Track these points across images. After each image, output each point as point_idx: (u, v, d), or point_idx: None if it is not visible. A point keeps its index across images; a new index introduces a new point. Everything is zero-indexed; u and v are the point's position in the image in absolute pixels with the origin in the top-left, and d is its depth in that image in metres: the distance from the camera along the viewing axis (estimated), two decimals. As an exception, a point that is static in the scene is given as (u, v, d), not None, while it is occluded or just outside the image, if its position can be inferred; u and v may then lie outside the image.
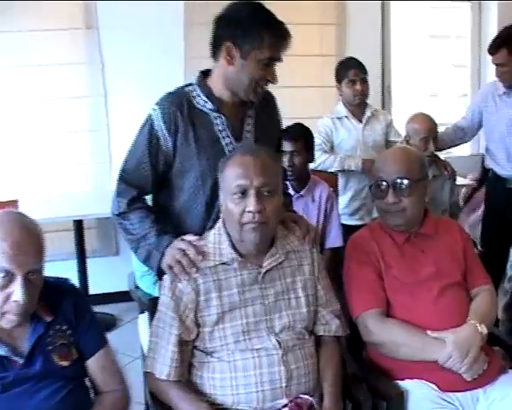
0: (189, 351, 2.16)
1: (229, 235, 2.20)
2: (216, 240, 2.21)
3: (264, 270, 2.19)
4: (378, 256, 2.42)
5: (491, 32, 5.89)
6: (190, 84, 2.42)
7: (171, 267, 2.18)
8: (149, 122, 2.34)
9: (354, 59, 4.39)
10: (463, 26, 6.25)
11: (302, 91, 5.42)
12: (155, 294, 3.39)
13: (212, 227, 2.29)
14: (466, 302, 2.41)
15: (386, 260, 2.42)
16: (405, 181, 2.38)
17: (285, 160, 3.49)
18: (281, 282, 2.22)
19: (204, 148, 2.34)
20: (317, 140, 4.08)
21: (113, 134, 5.16)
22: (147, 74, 5.07)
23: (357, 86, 4.27)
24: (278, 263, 2.22)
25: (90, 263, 4.86)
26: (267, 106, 2.54)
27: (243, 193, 2.09)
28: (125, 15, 4.98)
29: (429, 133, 3.73)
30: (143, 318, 3.22)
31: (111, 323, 4.78)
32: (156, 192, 2.46)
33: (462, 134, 4.30)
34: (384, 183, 2.41)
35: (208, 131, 2.36)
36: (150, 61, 5.08)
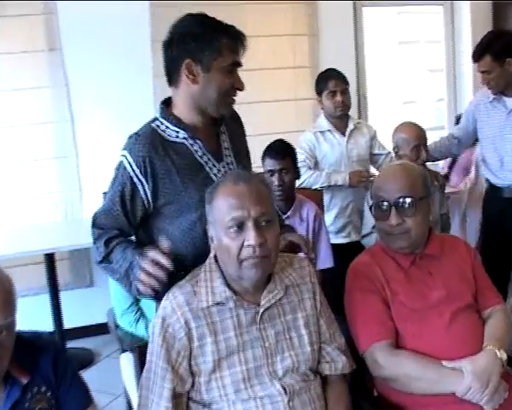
0: (183, 404, 1.96)
1: (221, 271, 2.00)
2: (207, 278, 2.01)
3: (262, 308, 1.99)
4: (383, 283, 2.25)
5: (465, 34, 5.85)
6: (155, 119, 2.26)
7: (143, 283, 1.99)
8: (121, 170, 2.17)
9: (334, 70, 4.28)
10: (436, 30, 6.19)
11: (275, 106, 5.26)
12: (137, 332, 3.22)
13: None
14: (480, 326, 2.25)
15: (391, 287, 2.24)
16: (408, 200, 2.22)
17: (274, 179, 3.37)
18: (281, 320, 2.03)
19: (190, 179, 2.19)
20: (301, 156, 3.95)
21: (81, 160, 4.95)
22: (114, 95, 4.90)
23: (338, 97, 4.18)
24: (277, 300, 2.03)
25: (64, 296, 4.63)
26: (234, 120, 2.44)
27: (240, 226, 1.90)
28: (90, 35, 4.79)
29: (420, 141, 3.60)
30: (126, 357, 3.05)
31: (88, 359, 4.53)
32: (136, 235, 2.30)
33: (457, 143, 4.25)
34: (385, 203, 2.24)
35: (189, 161, 2.21)
36: (118, 81, 4.91)
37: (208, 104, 2.20)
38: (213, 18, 2.21)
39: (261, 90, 5.18)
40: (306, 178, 4.00)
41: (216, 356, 1.92)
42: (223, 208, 1.92)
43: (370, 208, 2.32)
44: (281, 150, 3.46)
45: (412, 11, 6.16)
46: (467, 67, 5.95)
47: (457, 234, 4.71)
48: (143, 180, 2.14)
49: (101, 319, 3.61)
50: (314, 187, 4.00)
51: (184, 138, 2.22)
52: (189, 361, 1.92)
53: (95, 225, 2.22)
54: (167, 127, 2.22)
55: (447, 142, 4.30)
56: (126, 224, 2.21)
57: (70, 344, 4.45)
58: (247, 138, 2.50)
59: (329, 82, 4.18)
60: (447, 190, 4.30)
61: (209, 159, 2.25)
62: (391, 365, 2.14)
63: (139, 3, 4.89)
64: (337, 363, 2.11)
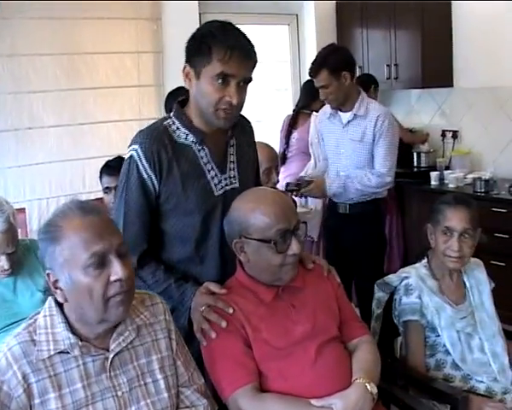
0: None
1: (64, 315, 1.77)
2: (47, 324, 1.77)
3: (111, 354, 1.79)
4: (242, 321, 2.07)
5: (310, 54, 5.93)
6: (169, 117, 2.27)
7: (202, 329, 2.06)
8: (133, 165, 2.17)
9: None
10: (282, 50, 6.27)
11: (120, 125, 5.04)
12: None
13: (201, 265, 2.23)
14: (347, 358, 2.16)
15: (253, 324, 2.07)
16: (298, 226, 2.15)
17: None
18: (134, 365, 1.84)
19: (190, 184, 2.19)
20: None
21: None
22: None
23: None
24: (129, 342, 1.84)
25: None
26: (244, 132, 2.42)
27: (100, 262, 1.70)
28: None
29: (272, 163, 3.50)
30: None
31: None
32: None
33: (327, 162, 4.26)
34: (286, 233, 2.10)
35: (193, 166, 2.22)
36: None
37: (203, 113, 2.17)
38: (223, 23, 2.13)
39: (105, 109, 4.96)
40: None
41: None
42: (77, 245, 1.70)
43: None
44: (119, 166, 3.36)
45: (258, 31, 6.16)
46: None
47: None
48: (152, 175, 2.15)
49: None
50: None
51: (193, 142, 2.21)
52: None
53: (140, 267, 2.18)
54: (178, 128, 2.22)
55: (323, 164, 4.32)
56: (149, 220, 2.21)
57: None
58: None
59: None
60: (299, 210, 4.27)
61: (213, 168, 2.24)
62: None
63: None
64: (198, 407, 1.94)
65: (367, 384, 2.03)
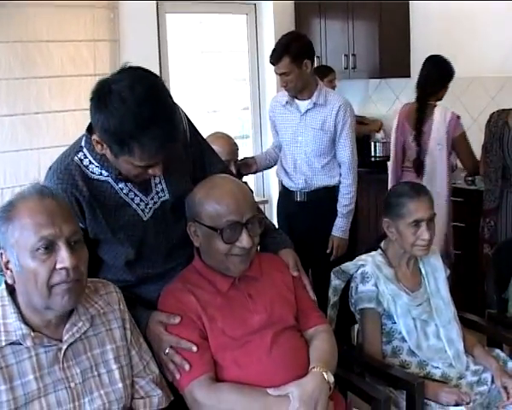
0: None
1: (16, 305, 1.74)
2: None
3: (65, 345, 1.77)
4: (199, 311, 2.06)
5: (268, 44, 5.93)
6: (80, 149, 2.06)
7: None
8: None
9: None
10: (240, 40, 6.21)
11: (76, 115, 4.90)
12: None
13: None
14: (303, 347, 2.16)
15: (208, 313, 2.07)
16: (256, 219, 2.12)
17: None
18: (87, 356, 1.82)
19: (117, 221, 2.06)
20: None
21: None
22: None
23: None
24: (82, 333, 1.81)
25: None
26: None
27: (49, 247, 1.67)
28: None
29: (231, 156, 3.48)
30: None
31: None
32: None
33: (279, 151, 4.27)
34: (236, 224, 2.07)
35: (115, 201, 2.06)
36: None
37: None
38: (152, 103, 1.85)
39: (60, 98, 4.87)
40: None
41: (12, 406, 1.66)
42: (28, 227, 1.67)
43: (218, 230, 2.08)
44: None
45: (215, 21, 6.14)
46: (270, 75, 6.05)
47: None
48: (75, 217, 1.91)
49: None
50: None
51: (108, 176, 2.04)
52: None
53: None
54: (91, 162, 2.04)
55: (273, 152, 4.34)
56: None
57: None
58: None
59: None
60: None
61: (136, 194, 2.09)
62: (212, 401, 1.98)
63: None
64: (152, 398, 1.93)
65: (324, 373, 2.03)
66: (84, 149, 2.06)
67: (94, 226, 2.04)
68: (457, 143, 4.36)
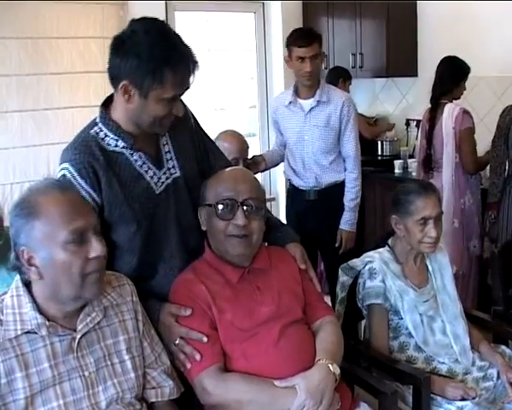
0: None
1: (31, 295, 1.77)
2: (15, 304, 1.77)
3: (79, 334, 1.80)
4: (209, 302, 2.10)
5: (276, 43, 5.96)
6: (95, 124, 2.12)
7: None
8: None
9: None
10: (248, 38, 6.23)
11: (86, 111, 4.92)
12: None
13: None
14: (310, 339, 2.19)
15: (218, 304, 2.10)
16: (256, 202, 2.16)
17: None
18: (101, 345, 1.85)
19: (131, 191, 2.11)
20: None
21: None
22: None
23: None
24: (96, 323, 1.85)
25: None
26: (179, 121, 2.23)
27: (79, 238, 1.73)
28: None
29: (240, 155, 3.50)
30: None
31: None
32: None
33: (284, 149, 4.30)
34: (232, 202, 2.13)
35: (130, 172, 2.12)
36: None
37: (141, 124, 2.08)
38: (170, 37, 2.00)
39: (69, 94, 4.91)
40: None
41: (28, 393, 1.70)
42: (57, 221, 1.71)
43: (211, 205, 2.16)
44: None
45: (222, 19, 6.16)
46: (277, 74, 6.08)
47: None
48: (91, 191, 2.03)
49: None
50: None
51: (124, 148, 2.11)
52: None
53: None
54: (106, 135, 2.10)
55: (278, 150, 4.36)
56: None
57: None
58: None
59: None
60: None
61: (149, 168, 2.16)
62: (220, 391, 2.02)
63: None
64: (164, 388, 1.97)
65: (330, 365, 2.07)
66: (100, 124, 2.12)
67: (110, 196, 2.07)
68: (461, 138, 4.40)
